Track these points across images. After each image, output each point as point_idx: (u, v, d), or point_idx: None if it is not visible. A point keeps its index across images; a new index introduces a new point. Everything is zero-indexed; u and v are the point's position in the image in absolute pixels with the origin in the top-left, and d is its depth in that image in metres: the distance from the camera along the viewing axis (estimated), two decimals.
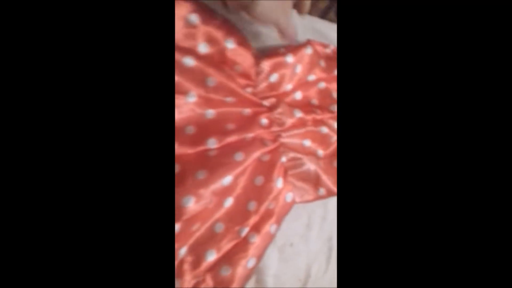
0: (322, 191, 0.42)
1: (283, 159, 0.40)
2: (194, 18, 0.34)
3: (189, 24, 0.34)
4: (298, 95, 0.45)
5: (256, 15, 0.32)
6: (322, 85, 0.46)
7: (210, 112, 0.37)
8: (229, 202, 0.37)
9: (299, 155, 0.42)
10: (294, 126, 0.42)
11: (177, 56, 0.34)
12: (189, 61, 0.34)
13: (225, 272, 0.35)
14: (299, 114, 0.42)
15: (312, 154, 0.43)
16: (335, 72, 0.47)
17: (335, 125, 0.45)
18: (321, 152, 0.44)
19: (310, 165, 0.42)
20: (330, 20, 0.55)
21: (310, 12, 0.50)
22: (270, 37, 0.45)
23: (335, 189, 0.43)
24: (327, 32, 0.52)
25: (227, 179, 0.35)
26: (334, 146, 0.45)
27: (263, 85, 0.41)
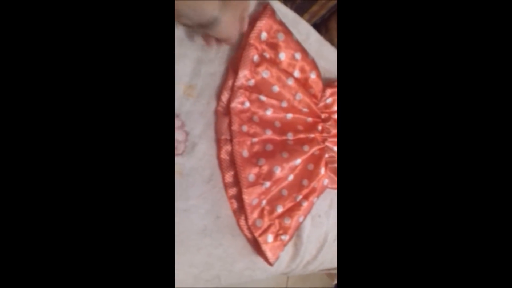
0: None
1: (326, 155, 0.60)
2: (298, 55, 0.53)
3: (294, 59, 0.53)
4: None
5: (216, 33, 0.39)
6: None
7: (290, 115, 0.56)
8: (291, 177, 0.55)
9: (333, 155, 0.61)
10: (334, 136, 0.61)
11: (283, 76, 0.52)
12: (289, 81, 0.53)
13: (287, 221, 0.54)
14: None
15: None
16: None
17: None
18: None
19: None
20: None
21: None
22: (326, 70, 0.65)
23: None
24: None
25: (298, 161, 0.54)
26: None
27: (321, 104, 0.60)
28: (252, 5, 0.50)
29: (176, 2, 0.34)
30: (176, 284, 0.48)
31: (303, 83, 0.56)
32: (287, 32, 0.51)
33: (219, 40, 0.43)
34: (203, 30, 0.39)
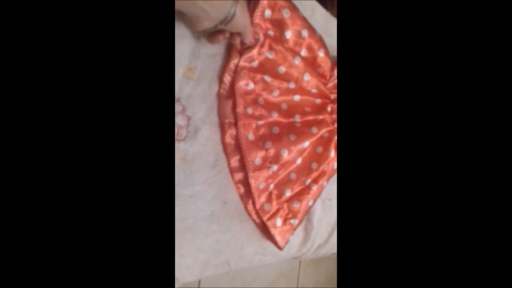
0: None
1: (336, 138, 0.57)
2: (305, 32, 0.50)
3: (300, 36, 0.50)
4: None
5: (233, 26, 0.41)
6: None
7: (297, 97, 0.53)
8: (299, 160, 0.54)
9: None
10: None
11: (289, 56, 0.50)
12: (296, 61, 0.50)
13: (296, 205, 0.52)
14: None
15: None
16: None
17: None
18: None
19: None
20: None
21: None
22: (334, 47, 0.62)
23: None
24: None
25: (306, 144, 0.52)
26: None
27: (330, 84, 0.57)
28: None
29: (194, 10, 0.37)
30: (185, 270, 0.48)
31: (311, 62, 0.53)
32: (293, 8, 0.49)
33: (230, 34, 0.44)
34: (223, 26, 0.41)
